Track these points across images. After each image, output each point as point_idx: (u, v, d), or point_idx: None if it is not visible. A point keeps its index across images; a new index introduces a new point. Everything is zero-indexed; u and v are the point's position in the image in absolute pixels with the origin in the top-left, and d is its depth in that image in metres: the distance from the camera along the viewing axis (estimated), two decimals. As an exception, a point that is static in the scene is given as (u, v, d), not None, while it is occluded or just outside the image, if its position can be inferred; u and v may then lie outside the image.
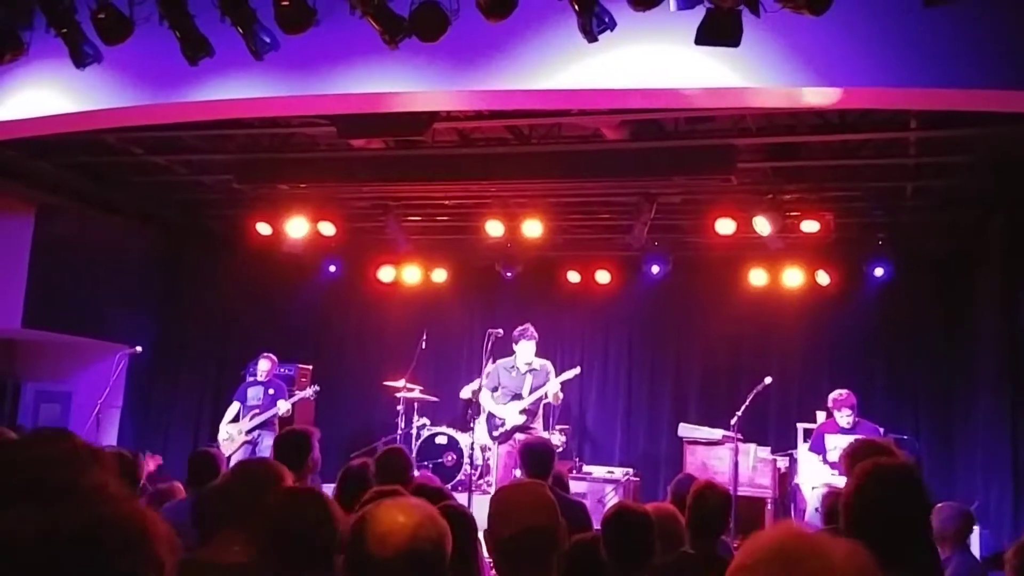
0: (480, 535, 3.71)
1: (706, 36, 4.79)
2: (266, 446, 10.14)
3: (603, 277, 12.28)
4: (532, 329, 9.62)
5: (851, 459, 3.61)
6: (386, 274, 12.75)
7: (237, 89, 6.15)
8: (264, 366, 10.56)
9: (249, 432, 10.20)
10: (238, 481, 3.16)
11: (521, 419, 9.41)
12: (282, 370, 11.16)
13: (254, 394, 10.45)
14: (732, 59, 5.16)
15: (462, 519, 3.54)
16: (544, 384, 9.50)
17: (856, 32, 5.18)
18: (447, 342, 12.26)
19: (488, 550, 2.75)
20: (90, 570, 0.97)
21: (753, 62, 5.26)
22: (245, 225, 11.32)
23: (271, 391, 10.43)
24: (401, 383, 10.99)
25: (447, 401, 11.83)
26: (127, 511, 1.03)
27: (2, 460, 1.06)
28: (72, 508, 0.99)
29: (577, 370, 10.01)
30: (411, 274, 12.67)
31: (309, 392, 10.66)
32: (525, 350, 9.58)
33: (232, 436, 10.25)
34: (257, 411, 10.26)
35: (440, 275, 12.72)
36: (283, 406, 10.28)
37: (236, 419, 10.39)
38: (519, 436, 9.25)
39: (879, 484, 2.84)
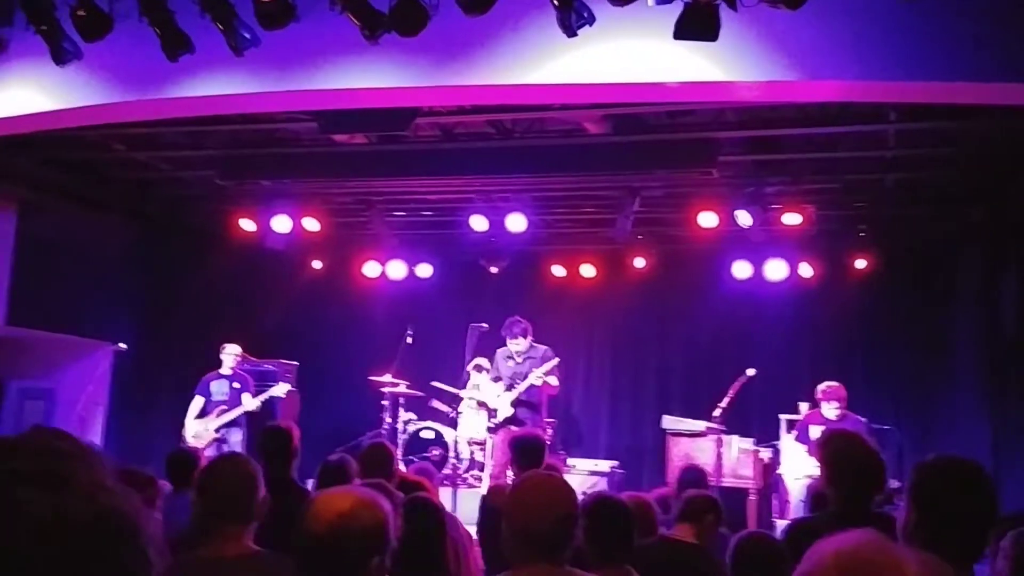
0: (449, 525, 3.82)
1: (684, 31, 4.83)
2: (235, 442, 9.83)
3: (587, 271, 12.32)
4: (522, 324, 9.51)
5: (824, 449, 3.65)
6: (371, 269, 12.73)
7: (218, 85, 6.15)
8: (228, 360, 10.15)
9: (218, 429, 9.82)
10: (231, 477, 3.18)
11: (511, 411, 9.34)
12: (265, 366, 11.04)
13: (218, 388, 10.02)
14: (711, 53, 5.19)
15: (429, 509, 3.65)
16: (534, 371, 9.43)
17: (833, 26, 5.21)
18: (432, 337, 12.25)
19: (505, 538, 2.78)
20: (97, 557, 1.01)
21: (731, 56, 5.29)
22: (228, 221, 11.29)
23: (236, 385, 10.02)
24: (386, 378, 10.99)
25: (432, 396, 11.83)
26: (128, 506, 1.07)
27: (11, 447, 1.10)
28: (80, 496, 1.02)
29: (556, 360, 9.89)
30: (396, 269, 12.65)
31: (280, 390, 10.26)
32: (517, 344, 9.53)
33: (200, 433, 9.81)
34: (224, 407, 9.86)
35: (425, 270, 12.72)
36: (248, 401, 9.92)
37: (202, 415, 9.95)
38: (513, 427, 9.19)
39: (953, 482, 2.67)
